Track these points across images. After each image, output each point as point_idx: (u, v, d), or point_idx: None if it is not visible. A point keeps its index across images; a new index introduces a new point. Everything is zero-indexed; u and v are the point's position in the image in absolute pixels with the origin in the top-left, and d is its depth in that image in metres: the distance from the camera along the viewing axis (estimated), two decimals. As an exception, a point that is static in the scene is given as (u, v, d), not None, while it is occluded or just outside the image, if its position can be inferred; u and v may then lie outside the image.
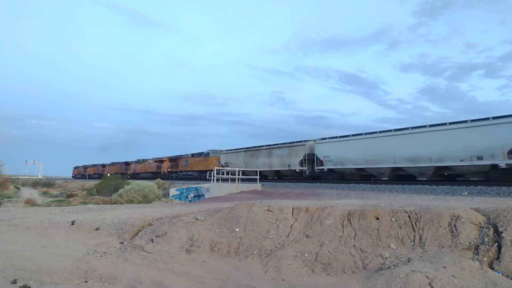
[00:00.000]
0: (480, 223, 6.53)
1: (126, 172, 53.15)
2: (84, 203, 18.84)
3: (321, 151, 23.96)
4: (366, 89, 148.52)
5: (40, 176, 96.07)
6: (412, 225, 6.84)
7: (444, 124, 17.38)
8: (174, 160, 43.01)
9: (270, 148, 28.73)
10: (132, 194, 18.09)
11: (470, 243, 6.06)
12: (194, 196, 20.25)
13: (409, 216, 7.03)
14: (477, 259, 5.63)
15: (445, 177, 18.19)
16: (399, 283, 5.02)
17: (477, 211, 6.98)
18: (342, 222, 7.47)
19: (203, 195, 19.75)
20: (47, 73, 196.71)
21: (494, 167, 15.39)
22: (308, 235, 7.37)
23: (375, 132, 20.78)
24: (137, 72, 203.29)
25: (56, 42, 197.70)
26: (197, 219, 8.35)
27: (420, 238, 6.49)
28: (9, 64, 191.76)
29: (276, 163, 27.43)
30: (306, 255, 6.60)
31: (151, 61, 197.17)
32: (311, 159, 24.70)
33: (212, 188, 19.47)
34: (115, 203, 17.37)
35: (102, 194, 24.76)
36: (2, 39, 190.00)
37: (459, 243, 6.08)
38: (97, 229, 8.16)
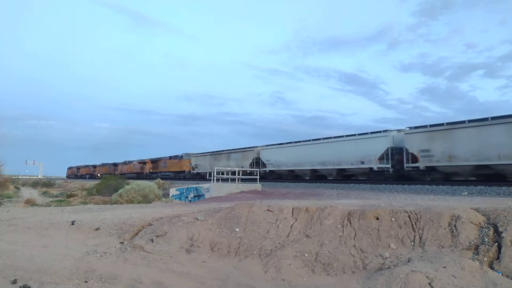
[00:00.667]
0: (480, 223, 6.53)
1: (114, 172, 56.13)
2: (84, 203, 18.84)
3: (264, 156, 29.39)
4: (366, 89, 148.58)
5: (40, 176, 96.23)
6: (412, 225, 6.84)
7: (342, 136, 23.41)
8: (155, 162, 47.40)
9: (229, 152, 33.93)
10: (132, 194, 18.08)
11: (470, 243, 6.06)
12: (194, 196, 20.25)
13: (409, 216, 7.03)
14: (477, 259, 5.63)
15: (345, 177, 23.48)
16: (399, 283, 5.02)
17: (477, 211, 6.98)
18: (342, 222, 7.47)
19: (203, 195, 19.75)
20: (47, 73, 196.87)
21: (371, 169, 20.78)
22: (308, 235, 7.37)
23: (300, 141, 26.29)
24: (137, 72, 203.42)
25: (56, 42, 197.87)
26: (197, 219, 8.36)
27: (420, 238, 6.49)
28: (9, 65, 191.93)
29: (233, 165, 30.99)
30: (306, 255, 6.61)
31: (151, 61, 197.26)
32: (258, 162, 29.70)
33: (212, 188, 19.47)
34: (115, 203, 17.36)
35: (102, 194, 24.75)
36: (2, 39, 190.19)
37: (459, 243, 6.08)
38: (97, 229, 8.15)
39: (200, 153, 39.40)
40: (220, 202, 13.25)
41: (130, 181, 25.85)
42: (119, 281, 5.56)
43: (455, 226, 6.46)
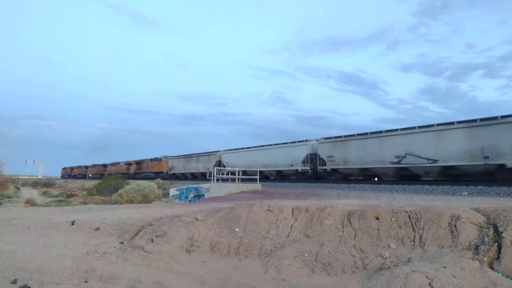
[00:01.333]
0: (480, 223, 6.53)
1: (104, 173, 61.01)
2: (84, 203, 18.83)
3: (225, 159, 34.62)
4: (366, 89, 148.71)
5: (40, 176, 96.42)
6: (412, 225, 6.84)
7: (278, 144, 29.28)
8: (138, 163, 52.61)
9: (198, 156, 39.55)
10: (132, 194, 18.09)
11: (470, 243, 6.06)
12: (194, 196, 20.25)
13: (409, 216, 7.03)
14: (477, 259, 5.63)
15: (282, 177, 28.68)
16: (399, 283, 5.02)
17: (477, 211, 6.98)
18: (342, 222, 7.47)
19: (203, 195, 19.74)
20: (47, 73, 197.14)
21: (297, 170, 26.37)
22: (308, 235, 7.37)
23: (250, 147, 32.50)
24: (137, 72, 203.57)
25: (56, 42, 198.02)
26: (197, 219, 8.36)
27: (420, 238, 6.49)
28: (9, 65, 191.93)
29: (201, 166, 37.94)
30: (306, 255, 6.61)
31: (151, 61, 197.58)
32: (220, 164, 34.50)
33: (212, 188, 19.47)
34: (115, 203, 17.37)
35: (102, 194, 24.78)
36: (2, 40, 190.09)
37: (459, 243, 6.08)
38: (97, 229, 8.15)
39: (176, 156, 44.43)
40: (220, 202, 13.26)
41: (130, 181, 25.87)
42: (119, 281, 5.56)
43: (455, 226, 6.46)
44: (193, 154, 40.43)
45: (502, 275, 5.24)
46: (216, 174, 20.79)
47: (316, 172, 25.12)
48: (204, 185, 20.38)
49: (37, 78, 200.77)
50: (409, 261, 5.77)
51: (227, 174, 22.13)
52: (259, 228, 7.80)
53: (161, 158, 46.32)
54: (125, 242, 7.54)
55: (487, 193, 12.43)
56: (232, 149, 35.20)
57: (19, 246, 6.93)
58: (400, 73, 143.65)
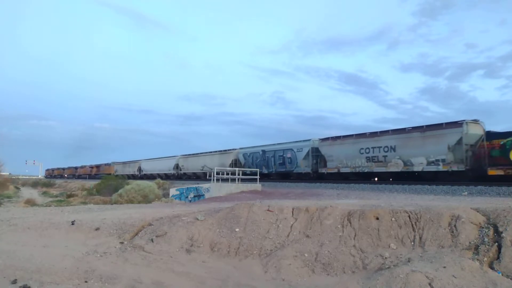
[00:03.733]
0: (480, 223, 6.53)
1: (75, 174, 77.82)
2: (84, 203, 18.83)
3: (180, 163, 42.06)
4: (366, 89, 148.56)
5: (40, 176, 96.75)
6: (412, 225, 6.84)
7: (212, 151, 37.40)
8: (97, 167, 66.45)
9: (160, 159, 47.33)
10: (132, 194, 18.09)
11: (470, 243, 6.06)
12: (194, 196, 20.23)
13: (409, 216, 7.03)
14: (477, 259, 5.63)
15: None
16: (399, 283, 5.02)
17: (477, 211, 6.98)
18: (342, 222, 7.46)
19: (203, 195, 19.73)
20: (47, 74, 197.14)
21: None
22: (308, 235, 7.37)
23: (198, 153, 40.16)
24: (137, 72, 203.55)
25: (56, 43, 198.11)
26: (197, 219, 8.35)
27: (420, 238, 6.49)
28: (9, 66, 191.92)
29: (165, 167, 44.84)
30: (306, 255, 6.60)
31: (151, 61, 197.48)
32: (178, 166, 41.67)
33: (212, 188, 19.46)
34: (115, 203, 17.36)
35: (102, 194, 24.77)
36: (2, 40, 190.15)
37: (459, 243, 6.08)
38: (97, 229, 8.15)
39: (120, 162, 57.72)
40: (220, 202, 13.25)
41: (130, 181, 25.87)
42: (119, 281, 5.56)
43: (455, 226, 6.46)
44: (138, 160, 49.74)
45: (502, 275, 5.24)
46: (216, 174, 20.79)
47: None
48: (204, 185, 20.37)
49: (36, 78, 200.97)
50: (409, 261, 5.77)
51: (227, 174, 22.11)
52: (259, 228, 7.80)
53: (110, 163, 60.95)
54: (125, 242, 7.54)
55: (487, 193, 12.43)
56: (187, 155, 42.13)
57: (19, 246, 6.93)
58: (400, 73, 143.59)
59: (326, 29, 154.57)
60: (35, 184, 54.81)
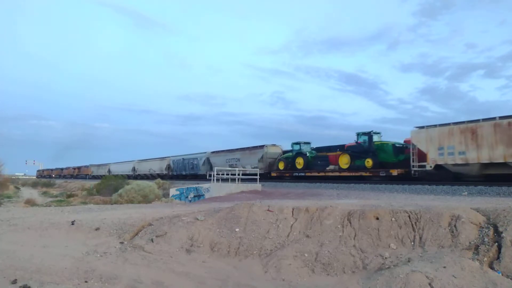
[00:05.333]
0: (480, 223, 6.54)
1: (61, 174, 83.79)
2: (84, 203, 18.82)
3: (136, 166, 47.88)
4: (366, 89, 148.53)
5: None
6: (412, 225, 6.84)
7: (155, 158, 46.28)
8: (79, 168, 73.10)
9: (122, 163, 54.04)
10: (132, 194, 18.06)
11: (470, 243, 6.06)
12: (194, 196, 20.23)
13: (409, 216, 7.03)
14: (477, 259, 5.63)
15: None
16: (399, 283, 5.02)
17: (477, 211, 6.98)
18: (342, 222, 7.46)
19: (203, 195, 19.73)
20: (47, 74, 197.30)
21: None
22: (308, 235, 7.37)
23: (148, 159, 48.12)
24: (137, 72, 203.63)
25: (56, 43, 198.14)
26: (197, 219, 8.35)
27: (420, 238, 6.49)
28: (9, 66, 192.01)
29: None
30: (306, 255, 6.60)
31: (151, 61, 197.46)
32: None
33: (212, 188, 19.45)
34: (115, 203, 17.35)
35: (102, 194, 24.77)
36: (2, 40, 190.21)
37: (459, 243, 6.08)
38: (97, 229, 8.15)
39: (96, 164, 64.43)
40: (220, 202, 13.25)
41: (130, 181, 25.88)
42: (119, 281, 5.56)
43: (455, 226, 6.46)
44: (108, 163, 57.23)
45: (502, 275, 5.25)
46: (216, 174, 20.80)
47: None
48: (204, 185, 20.37)
49: (36, 78, 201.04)
50: (409, 261, 5.77)
51: (227, 174, 22.11)
52: (259, 228, 7.80)
53: (88, 165, 67.41)
54: (125, 242, 7.54)
55: (487, 193, 12.43)
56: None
57: (19, 246, 6.93)
58: (400, 73, 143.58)
59: (326, 29, 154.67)
60: (35, 184, 54.84)
